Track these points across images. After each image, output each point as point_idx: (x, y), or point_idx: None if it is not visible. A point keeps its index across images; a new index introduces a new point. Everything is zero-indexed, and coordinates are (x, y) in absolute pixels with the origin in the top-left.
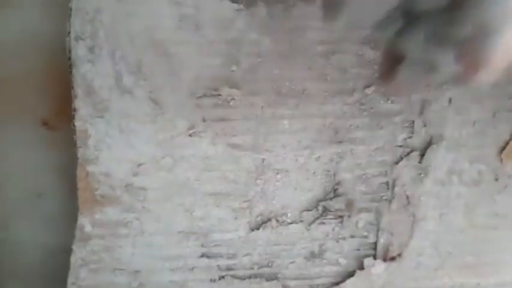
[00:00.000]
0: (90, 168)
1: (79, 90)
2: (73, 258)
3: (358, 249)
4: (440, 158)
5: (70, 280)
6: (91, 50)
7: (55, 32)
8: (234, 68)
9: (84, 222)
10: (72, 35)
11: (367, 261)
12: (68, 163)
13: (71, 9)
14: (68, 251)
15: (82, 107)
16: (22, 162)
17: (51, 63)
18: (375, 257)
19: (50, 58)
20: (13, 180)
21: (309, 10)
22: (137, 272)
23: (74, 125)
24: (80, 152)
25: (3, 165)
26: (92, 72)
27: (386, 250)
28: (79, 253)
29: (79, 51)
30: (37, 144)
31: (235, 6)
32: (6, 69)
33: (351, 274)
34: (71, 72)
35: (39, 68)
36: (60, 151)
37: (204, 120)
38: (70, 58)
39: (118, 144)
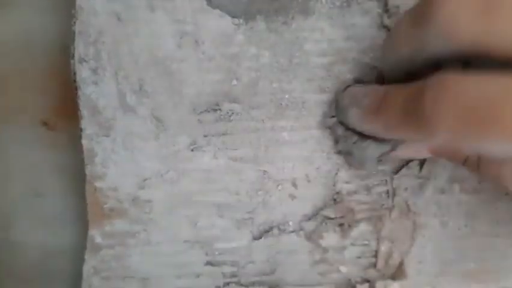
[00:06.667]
0: (98, 184)
1: (84, 111)
2: (85, 267)
3: (359, 257)
4: (440, 166)
5: (84, 287)
6: (94, 71)
7: (55, 32)
8: (235, 82)
9: (94, 234)
10: (76, 57)
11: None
12: (68, 163)
13: (74, 33)
14: (68, 251)
15: (88, 127)
16: (22, 162)
17: (51, 63)
18: (375, 266)
19: (50, 58)
20: (13, 180)
21: (307, 23)
22: (145, 279)
23: (81, 144)
24: (88, 169)
25: (3, 165)
26: (96, 93)
27: (387, 258)
28: (90, 262)
29: (83, 73)
30: (37, 144)
31: (235, 21)
32: (6, 69)
33: (351, 281)
34: (76, 93)
35: (39, 68)
36: (60, 151)
37: (205, 136)
38: (75, 80)
39: (123, 160)
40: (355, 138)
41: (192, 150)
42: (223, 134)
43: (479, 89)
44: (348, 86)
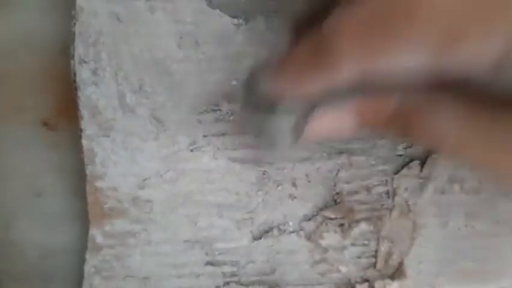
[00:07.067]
0: (98, 183)
1: (84, 112)
2: (86, 267)
3: (359, 257)
4: (440, 167)
5: (85, 287)
6: (94, 72)
7: (55, 32)
8: (234, 82)
9: (95, 233)
10: (76, 58)
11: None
12: (68, 163)
13: (74, 34)
14: (68, 251)
15: (88, 127)
16: (22, 162)
17: (52, 63)
18: (375, 266)
19: (50, 58)
20: (13, 180)
21: None
22: (146, 278)
23: (81, 144)
24: (88, 169)
25: (3, 165)
26: (96, 94)
27: (387, 258)
28: (91, 262)
29: (83, 74)
30: (37, 144)
31: (235, 21)
32: (6, 69)
33: (351, 281)
34: (76, 94)
35: (39, 68)
36: (60, 151)
37: (205, 136)
38: (75, 81)
39: (123, 160)
40: (264, 114)
41: (192, 150)
42: (223, 135)
43: None
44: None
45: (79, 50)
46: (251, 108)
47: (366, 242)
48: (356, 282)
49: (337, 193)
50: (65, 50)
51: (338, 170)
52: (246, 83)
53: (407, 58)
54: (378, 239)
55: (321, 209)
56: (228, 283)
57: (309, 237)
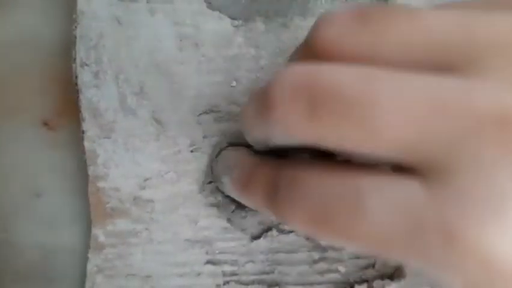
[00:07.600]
0: (100, 184)
1: (86, 114)
2: (89, 266)
3: (358, 257)
4: None
5: (87, 285)
6: (95, 75)
7: (55, 33)
8: (234, 83)
9: (97, 233)
10: (77, 61)
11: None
12: (68, 163)
13: (75, 37)
14: (68, 251)
15: (90, 129)
16: (22, 162)
17: (52, 63)
18: (374, 266)
19: (50, 58)
20: (13, 180)
21: (306, 23)
22: (148, 277)
23: (83, 145)
24: (90, 170)
25: (3, 165)
26: (97, 96)
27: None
28: (94, 261)
29: (85, 77)
30: (37, 144)
31: (234, 22)
32: (6, 69)
33: (350, 281)
34: (78, 97)
35: (40, 68)
36: (60, 151)
37: (205, 137)
38: (76, 84)
39: (124, 161)
40: (233, 206)
41: (192, 151)
42: (222, 135)
43: (323, 189)
44: (222, 150)
45: (80, 53)
46: (223, 198)
47: None
48: (355, 282)
49: None
50: (64, 50)
51: None
52: None
53: None
54: None
55: None
56: (228, 282)
57: (308, 237)
